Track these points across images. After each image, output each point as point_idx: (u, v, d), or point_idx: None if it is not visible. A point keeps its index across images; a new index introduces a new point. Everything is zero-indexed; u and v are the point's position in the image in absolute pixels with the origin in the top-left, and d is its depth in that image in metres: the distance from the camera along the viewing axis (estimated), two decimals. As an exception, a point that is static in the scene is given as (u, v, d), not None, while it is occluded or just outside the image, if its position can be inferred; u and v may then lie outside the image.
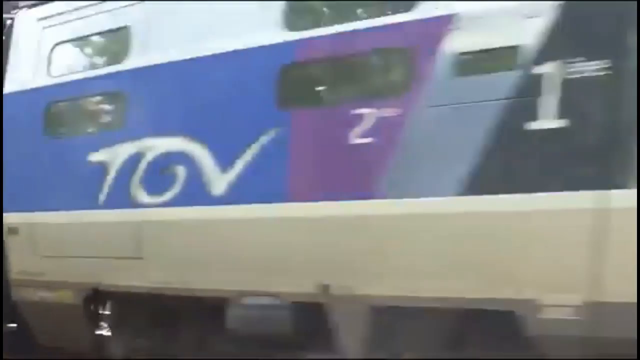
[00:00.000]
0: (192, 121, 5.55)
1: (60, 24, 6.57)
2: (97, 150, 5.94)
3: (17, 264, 6.57)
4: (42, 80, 6.53)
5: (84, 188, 6.09)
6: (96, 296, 6.22)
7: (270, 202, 5.04)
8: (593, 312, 3.88)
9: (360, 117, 4.60)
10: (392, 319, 4.59)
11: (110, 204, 5.82)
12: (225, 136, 5.31)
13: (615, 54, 3.88)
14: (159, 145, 5.59)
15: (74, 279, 6.22)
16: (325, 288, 4.84)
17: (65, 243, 6.26)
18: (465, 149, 4.24)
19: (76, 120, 6.91)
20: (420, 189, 4.41)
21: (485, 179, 4.22)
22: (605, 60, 3.83)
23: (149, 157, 5.61)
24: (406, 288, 4.37)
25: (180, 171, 5.47)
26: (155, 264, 5.74)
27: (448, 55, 4.33)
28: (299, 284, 4.89)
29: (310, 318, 4.94)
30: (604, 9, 4.00)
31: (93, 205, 5.94)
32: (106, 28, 6.49)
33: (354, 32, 4.78)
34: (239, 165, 5.11)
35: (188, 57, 5.58)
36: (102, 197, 5.88)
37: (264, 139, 5.00)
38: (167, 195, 5.51)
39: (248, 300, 5.14)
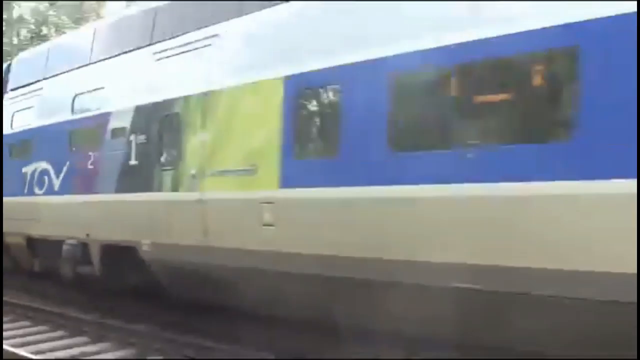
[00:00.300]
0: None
1: (17, 101, 12.31)
2: (25, 167, 11.64)
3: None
4: (7, 130, 12.35)
5: (20, 185, 11.63)
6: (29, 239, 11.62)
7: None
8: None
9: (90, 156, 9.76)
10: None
11: (28, 193, 11.52)
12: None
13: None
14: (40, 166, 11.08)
15: (21, 231, 11.72)
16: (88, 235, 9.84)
17: (15, 213, 11.65)
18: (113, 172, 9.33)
19: (20, 152, 12.06)
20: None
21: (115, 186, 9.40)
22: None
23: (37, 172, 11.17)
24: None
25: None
26: (38, 222, 11.03)
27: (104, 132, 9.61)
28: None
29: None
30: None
31: (22, 193, 11.65)
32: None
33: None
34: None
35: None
36: (25, 189, 11.55)
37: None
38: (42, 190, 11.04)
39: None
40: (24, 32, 35.87)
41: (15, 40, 35.26)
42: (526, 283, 4.99)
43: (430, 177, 5.58)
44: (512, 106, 5.33)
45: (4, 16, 35.09)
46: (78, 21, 34.31)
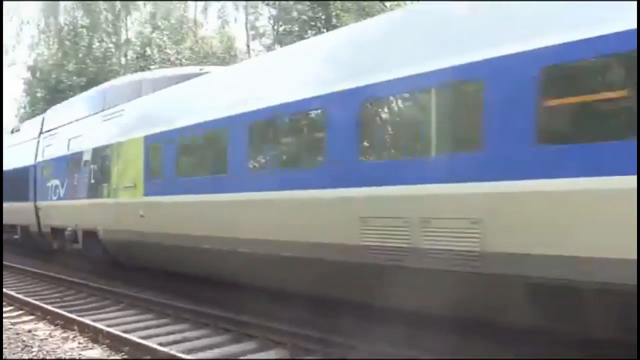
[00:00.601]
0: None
1: (44, 140, 18.48)
2: (48, 183, 17.67)
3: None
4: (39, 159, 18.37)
5: (47, 194, 17.38)
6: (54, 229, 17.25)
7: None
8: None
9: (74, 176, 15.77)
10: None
11: (49, 199, 17.51)
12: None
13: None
14: (54, 182, 17.38)
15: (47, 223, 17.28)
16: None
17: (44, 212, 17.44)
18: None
19: (45, 173, 17.60)
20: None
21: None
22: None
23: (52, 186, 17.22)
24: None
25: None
26: (54, 217, 16.78)
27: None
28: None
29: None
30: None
31: (47, 199, 17.64)
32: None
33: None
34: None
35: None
36: (48, 197, 17.61)
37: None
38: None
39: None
40: (130, 53, 39.43)
41: (123, 61, 39.27)
42: None
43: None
44: None
45: (113, 39, 39.74)
46: (178, 42, 37.95)
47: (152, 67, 35.62)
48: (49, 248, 17.17)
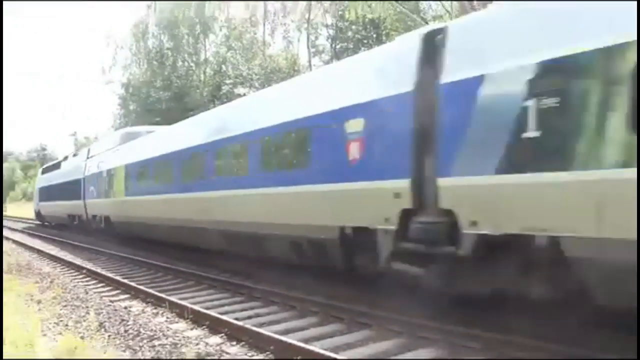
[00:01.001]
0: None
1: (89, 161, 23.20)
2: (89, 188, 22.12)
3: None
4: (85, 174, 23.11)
5: (91, 194, 22.26)
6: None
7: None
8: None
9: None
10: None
11: (89, 198, 22.34)
12: None
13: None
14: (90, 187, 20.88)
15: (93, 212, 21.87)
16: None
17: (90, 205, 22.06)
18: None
19: (91, 183, 22.31)
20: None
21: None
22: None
23: (88, 189, 21.64)
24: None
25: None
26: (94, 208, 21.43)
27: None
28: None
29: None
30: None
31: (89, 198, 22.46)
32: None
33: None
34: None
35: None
36: (92, 197, 21.93)
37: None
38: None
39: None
40: (208, 70, 40.25)
41: (202, 77, 39.92)
42: None
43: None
44: None
45: (194, 59, 40.70)
46: (249, 60, 38.29)
47: (227, 81, 36.25)
48: (90, 228, 22.99)
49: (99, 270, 13.09)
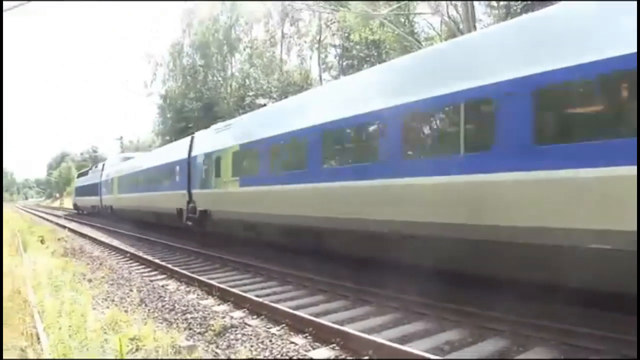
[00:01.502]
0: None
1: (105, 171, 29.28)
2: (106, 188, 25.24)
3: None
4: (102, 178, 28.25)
5: (106, 192, 26.63)
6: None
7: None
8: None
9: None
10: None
11: (106, 194, 25.94)
12: None
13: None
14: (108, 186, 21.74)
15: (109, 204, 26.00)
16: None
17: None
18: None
19: (105, 185, 27.50)
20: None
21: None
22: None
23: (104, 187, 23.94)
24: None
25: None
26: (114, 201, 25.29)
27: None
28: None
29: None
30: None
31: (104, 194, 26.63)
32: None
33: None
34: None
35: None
36: (110, 194, 26.03)
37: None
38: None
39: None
40: (233, 84, 39.79)
41: (229, 90, 39.63)
42: None
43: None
44: None
45: (221, 74, 40.38)
46: (268, 75, 37.73)
47: (249, 93, 36.23)
48: (103, 213, 28.92)
49: (140, 254, 13.14)
